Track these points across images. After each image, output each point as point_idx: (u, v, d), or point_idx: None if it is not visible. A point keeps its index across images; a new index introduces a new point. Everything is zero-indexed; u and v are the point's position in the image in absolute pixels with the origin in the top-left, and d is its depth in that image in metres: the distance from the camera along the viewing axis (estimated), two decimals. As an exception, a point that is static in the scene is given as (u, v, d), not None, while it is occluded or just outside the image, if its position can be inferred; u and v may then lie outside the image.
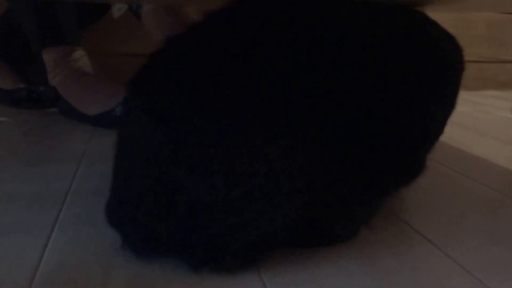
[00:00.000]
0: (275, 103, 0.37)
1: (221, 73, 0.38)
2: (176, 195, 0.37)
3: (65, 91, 0.94)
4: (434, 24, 0.47)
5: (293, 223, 0.39)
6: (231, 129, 0.36)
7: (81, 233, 0.46)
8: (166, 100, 0.38)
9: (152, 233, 0.39)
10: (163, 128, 0.37)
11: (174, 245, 0.39)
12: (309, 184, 0.38)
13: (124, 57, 1.29)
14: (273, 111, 0.37)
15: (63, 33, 0.95)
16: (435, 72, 0.45)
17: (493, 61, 1.53)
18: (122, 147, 0.43)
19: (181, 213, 0.37)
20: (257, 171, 0.36)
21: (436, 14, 0.55)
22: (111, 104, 0.88)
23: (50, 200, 0.54)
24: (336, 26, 0.42)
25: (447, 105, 0.48)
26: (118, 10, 1.03)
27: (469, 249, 0.47)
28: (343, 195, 0.41)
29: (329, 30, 0.41)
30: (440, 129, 0.49)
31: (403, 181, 0.48)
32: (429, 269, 0.43)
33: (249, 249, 0.39)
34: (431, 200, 0.59)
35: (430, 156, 0.49)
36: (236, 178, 0.36)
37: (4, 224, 0.47)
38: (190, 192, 0.36)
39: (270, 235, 0.38)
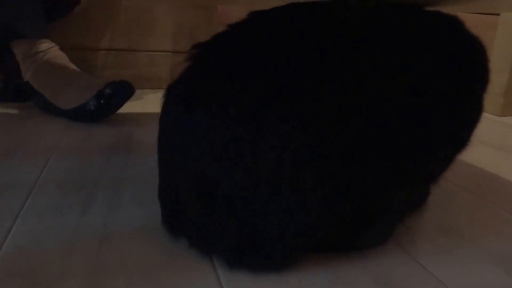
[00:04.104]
0: (307, 98, 0.37)
1: (257, 69, 0.39)
2: (214, 188, 0.38)
3: (38, 84, 0.94)
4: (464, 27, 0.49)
5: (321, 222, 0.39)
6: (257, 122, 0.36)
7: (44, 223, 0.47)
8: (200, 92, 0.39)
9: (194, 224, 0.40)
10: (197, 121, 0.38)
11: (214, 239, 0.39)
12: (338, 182, 0.38)
13: (98, 52, 1.29)
14: (303, 105, 0.37)
15: (27, 26, 0.94)
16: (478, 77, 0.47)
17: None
18: (164, 137, 0.43)
19: (219, 207, 0.38)
20: (281, 165, 0.36)
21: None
22: (84, 97, 0.89)
23: (16, 191, 0.54)
24: (385, 29, 0.43)
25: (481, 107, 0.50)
26: None
27: (420, 239, 0.48)
28: (374, 198, 0.41)
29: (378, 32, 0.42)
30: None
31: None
32: (380, 259, 0.44)
33: (278, 248, 0.39)
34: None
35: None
36: (261, 172, 0.36)
37: (-32, 214, 0.48)
38: (226, 185, 0.37)
39: (299, 234, 0.39)
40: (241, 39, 0.42)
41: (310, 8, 0.45)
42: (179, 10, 1.32)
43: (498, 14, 1.25)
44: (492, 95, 1.23)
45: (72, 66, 0.98)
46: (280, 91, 0.37)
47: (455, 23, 0.48)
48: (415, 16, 0.46)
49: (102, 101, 0.88)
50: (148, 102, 0.95)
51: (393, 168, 0.41)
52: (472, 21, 1.69)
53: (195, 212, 0.40)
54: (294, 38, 0.41)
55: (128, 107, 1.05)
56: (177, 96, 0.42)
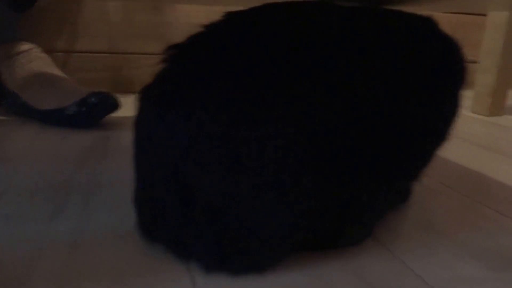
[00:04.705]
0: (284, 100, 0.36)
1: (234, 70, 0.37)
2: (194, 192, 0.36)
3: (16, 85, 0.92)
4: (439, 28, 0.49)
5: (302, 224, 0.38)
6: (236, 126, 0.35)
7: (11, 229, 0.45)
8: (175, 94, 0.38)
9: (172, 229, 0.39)
10: (173, 123, 0.37)
11: (194, 244, 0.38)
12: (317, 184, 0.37)
13: (75, 54, 1.27)
14: (281, 107, 0.36)
15: (3, 29, 0.93)
16: (455, 75, 0.47)
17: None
18: (139, 141, 0.42)
19: (200, 211, 0.37)
20: (263, 169, 0.35)
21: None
22: (65, 101, 0.86)
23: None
24: (361, 33, 0.42)
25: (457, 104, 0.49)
26: None
27: (401, 236, 0.47)
28: (353, 198, 0.40)
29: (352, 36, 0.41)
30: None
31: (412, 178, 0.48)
32: (360, 256, 0.43)
33: (259, 251, 0.38)
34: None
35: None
36: (243, 176, 0.35)
37: None
38: (205, 190, 0.36)
39: (280, 237, 0.38)
40: (217, 40, 0.41)
41: (287, 8, 0.44)
42: (158, 11, 1.31)
43: (486, 15, 1.24)
44: (480, 95, 1.23)
45: (57, 70, 0.95)
46: (258, 93, 0.36)
47: (430, 24, 0.48)
48: (391, 17, 0.46)
49: (83, 109, 0.86)
50: (126, 106, 0.93)
51: (374, 167, 0.40)
52: (461, 22, 1.69)
53: (173, 217, 0.38)
54: (271, 39, 0.39)
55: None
56: (152, 98, 0.40)
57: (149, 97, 0.41)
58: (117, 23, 1.29)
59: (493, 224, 0.51)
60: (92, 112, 0.86)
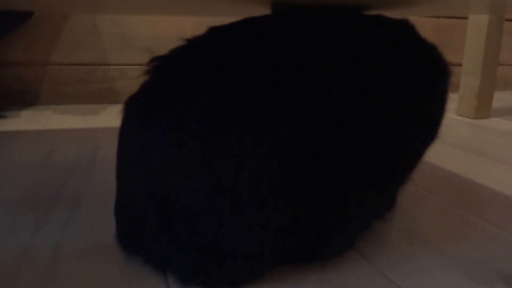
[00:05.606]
0: (263, 112, 0.36)
1: (214, 82, 0.38)
2: (172, 204, 0.36)
3: None
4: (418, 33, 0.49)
5: (280, 238, 0.38)
6: (213, 138, 0.35)
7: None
8: (157, 105, 0.38)
9: (151, 242, 0.39)
10: (153, 134, 0.37)
11: (173, 257, 0.38)
12: (297, 195, 0.37)
13: (67, 67, 1.27)
14: (259, 119, 0.36)
15: None
16: (439, 80, 0.47)
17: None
18: (121, 151, 0.42)
19: (178, 224, 0.36)
20: (240, 181, 0.35)
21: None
22: None
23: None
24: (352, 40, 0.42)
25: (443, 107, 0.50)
26: None
27: (383, 247, 0.47)
28: (335, 208, 0.40)
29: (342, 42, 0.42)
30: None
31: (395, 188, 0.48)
32: (341, 269, 0.43)
33: (237, 265, 0.38)
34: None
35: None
36: (219, 188, 0.35)
37: None
38: (184, 201, 0.36)
39: (258, 251, 0.37)
40: (200, 53, 0.41)
41: (268, 21, 0.44)
42: (151, 23, 1.31)
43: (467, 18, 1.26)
44: (465, 98, 1.24)
45: None
46: (237, 105, 0.36)
47: (407, 28, 0.48)
48: (369, 22, 0.46)
49: None
50: (119, 117, 0.93)
51: (355, 178, 0.40)
52: (446, 26, 1.71)
53: (152, 229, 0.38)
54: (252, 52, 0.40)
55: (99, 122, 1.03)
56: (135, 109, 0.41)
57: (131, 108, 0.41)
58: (108, 35, 1.29)
59: (480, 233, 0.51)
60: None
